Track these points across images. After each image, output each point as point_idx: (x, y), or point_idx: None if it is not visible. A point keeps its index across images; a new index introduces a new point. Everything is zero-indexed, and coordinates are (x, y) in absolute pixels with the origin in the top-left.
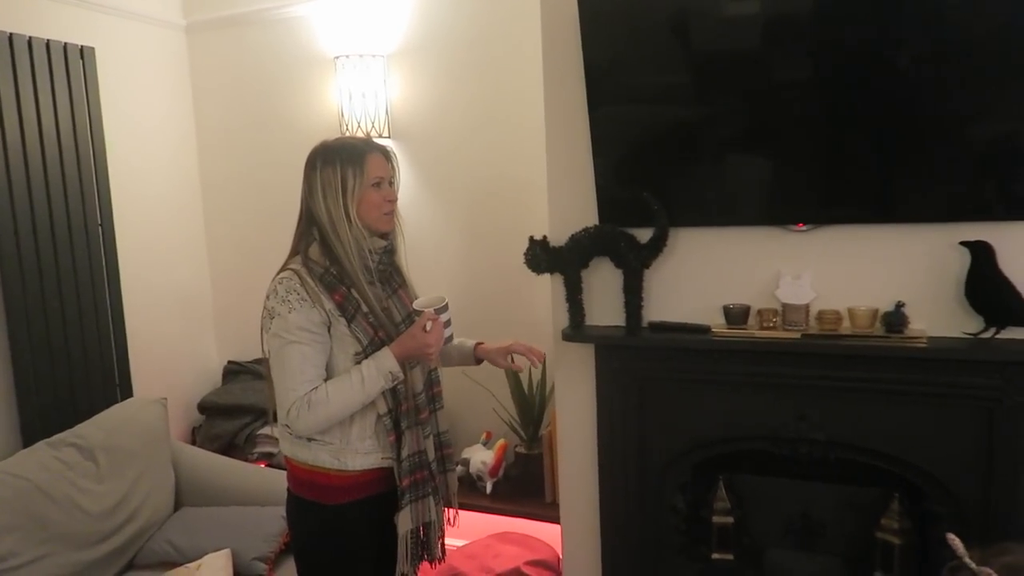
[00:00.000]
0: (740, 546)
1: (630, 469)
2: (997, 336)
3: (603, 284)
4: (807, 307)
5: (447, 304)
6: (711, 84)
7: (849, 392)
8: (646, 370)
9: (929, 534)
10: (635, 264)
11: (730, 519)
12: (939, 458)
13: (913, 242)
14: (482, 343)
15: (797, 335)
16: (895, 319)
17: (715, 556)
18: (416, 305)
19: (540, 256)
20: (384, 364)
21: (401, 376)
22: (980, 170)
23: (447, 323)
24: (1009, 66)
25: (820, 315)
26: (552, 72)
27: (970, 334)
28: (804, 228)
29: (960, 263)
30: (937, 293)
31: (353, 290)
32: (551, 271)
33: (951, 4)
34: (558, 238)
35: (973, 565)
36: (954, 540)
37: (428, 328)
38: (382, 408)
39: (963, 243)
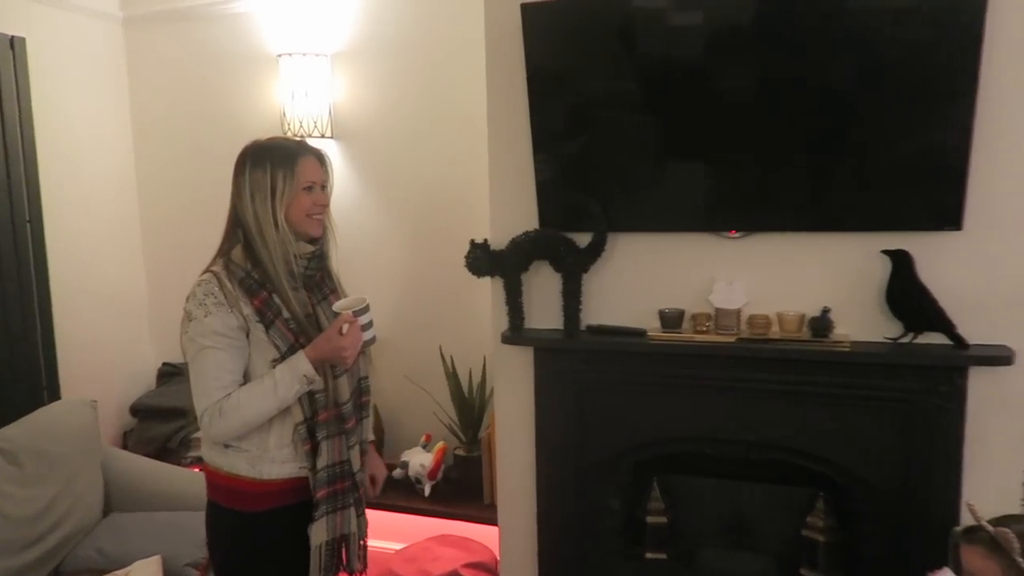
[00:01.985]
0: (674, 546)
1: (567, 470)
2: (915, 341)
3: (543, 287)
4: (739, 312)
5: (368, 306)
6: (650, 92)
7: (778, 394)
8: (584, 373)
9: (852, 531)
10: (574, 268)
11: (664, 519)
12: (861, 458)
13: (839, 250)
14: (373, 441)
15: (729, 339)
16: (821, 324)
17: (649, 556)
18: (336, 307)
19: (481, 259)
20: (298, 367)
21: (316, 379)
22: (901, 182)
23: (368, 325)
24: (930, 85)
25: (751, 319)
26: (495, 76)
27: (890, 339)
28: (737, 235)
29: (882, 271)
30: (861, 299)
31: (275, 295)
32: (491, 274)
33: (878, 26)
34: (499, 241)
35: (988, 526)
36: (970, 505)
37: (344, 331)
38: (298, 416)
39: (884, 252)
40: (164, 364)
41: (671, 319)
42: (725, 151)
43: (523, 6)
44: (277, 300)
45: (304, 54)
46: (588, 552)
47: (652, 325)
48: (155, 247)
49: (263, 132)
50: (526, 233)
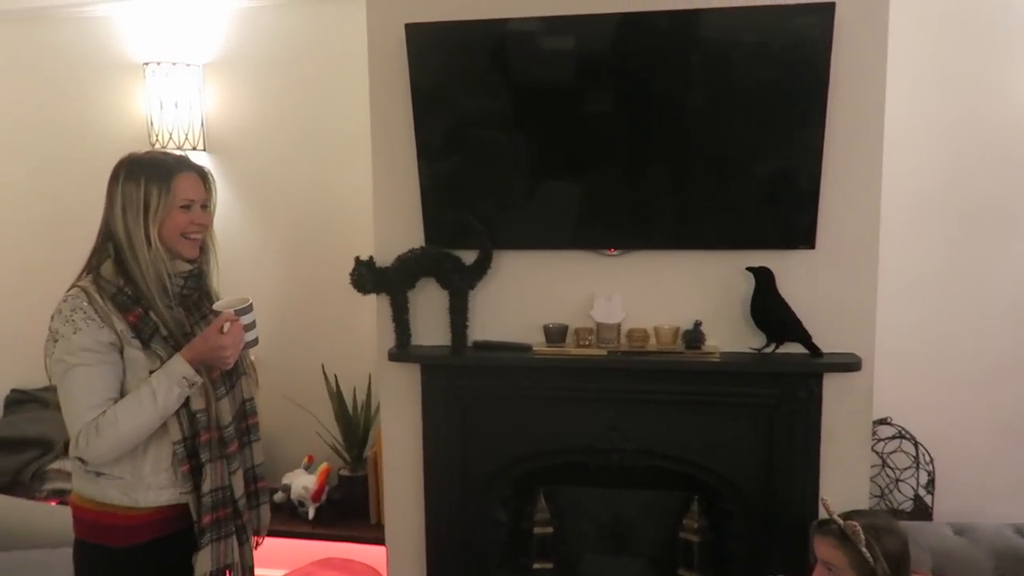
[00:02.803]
0: (559, 554)
1: (455, 485)
2: (777, 351)
3: (429, 304)
4: (619, 326)
5: (251, 306)
6: (527, 113)
7: (655, 404)
8: (471, 388)
9: (722, 530)
10: (460, 285)
11: (549, 529)
12: (730, 460)
13: (709, 267)
14: None
15: (609, 352)
16: (694, 336)
17: (536, 566)
18: (216, 306)
19: (366, 276)
20: (175, 370)
21: (197, 379)
22: (761, 204)
23: (251, 326)
24: (784, 114)
25: (630, 333)
26: (378, 92)
27: (755, 349)
28: (615, 253)
29: (747, 286)
30: (729, 313)
31: (151, 312)
32: (377, 291)
33: (733, 58)
34: (384, 258)
35: (839, 520)
36: (825, 500)
37: (226, 329)
38: (175, 434)
39: (748, 268)
40: (13, 391)
41: (555, 334)
42: (599, 172)
43: (407, 26)
44: (154, 317)
45: (173, 63)
46: (476, 566)
47: (537, 340)
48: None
49: (126, 143)
50: (412, 250)
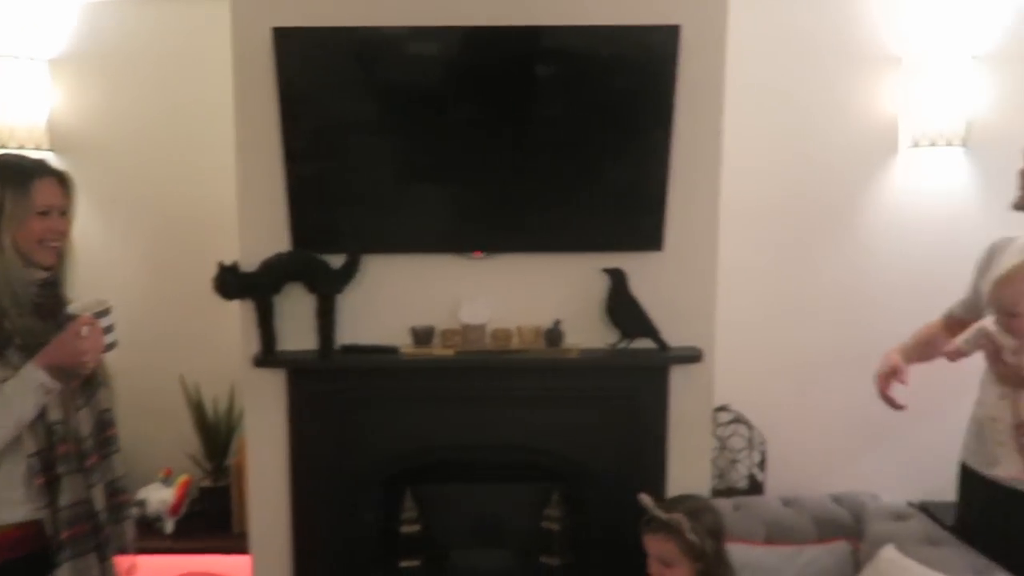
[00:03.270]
0: (428, 551)
1: (323, 489)
2: (630, 346)
3: (295, 309)
4: (484, 327)
5: (109, 308)
6: (396, 119)
7: (520, 400)
8: (339, 391)
9: (581, 517)
10: (328, 290)
11: (417, 527)
12: (588, 451)
13: (568, 269)
14: None
15: (475, 352)
16: (554, 335)
17: (403, 564)
18: (72, 309)
19: (230, 282)
20: (31, 378)
21: (55, 386)
22: (614, 209)
23: (109, 329)
24: (634, 123)
25: (495, 333)
26: (243, 95)
27: (610, 345)
28: (482, 256)
29: (602, 286)
30: (587, 311)
31: (4, 320)
32: (242, 297)
33: (586, 69)
34: (250, 263)
35: (663, 515)
36: (644, 498)
37: (85, 333)
38: (30, 446)
39: (603, 270)
40: None
41: (422, 335)
42: (464, 178)
43: (275, 29)
44: (8, 325)
45: (15, 57)
46: (344, 568)
47: (406, 342)
48: None
49: None
50: (278, 255)
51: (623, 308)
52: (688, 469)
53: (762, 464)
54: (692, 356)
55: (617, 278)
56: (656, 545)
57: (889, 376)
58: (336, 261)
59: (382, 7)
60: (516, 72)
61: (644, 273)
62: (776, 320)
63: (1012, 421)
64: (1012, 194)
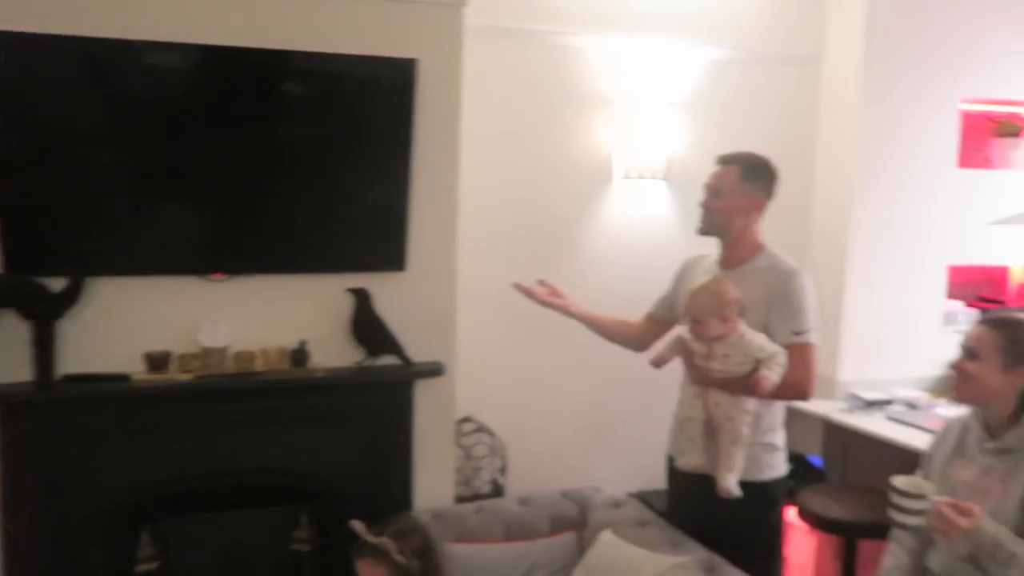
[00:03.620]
0: None
1: (45, 534)
2: (375, 363)
3: (8, 337)
4: (226, 349)
5: None
6: (128, 132)
7: (266, 422)
8: (62, 425)
9: (333, 535)
10: (46, 316)
11: (155, 565)
12: (338, 468)
13: (313, 289)
14: None
15: (215, 375)
16: (299, 355)
17: None
18: None
19: None
20: None
21: None
22: (359, 230)
23: None
24: (377, 149)
25: (238, 356)
26: None
27: (356, 363)
28: (223, 278)
29: (348, 306)
30: (333, 331)
31: None
32: None
33: (329, 96)
34: None
35: (370, 538)
36: (356, 524)
37: None
38: None
39: (348, 290)
40: None
41: (157, 361)
42: (203, 198)
43: None
44: None
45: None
46: None
47: (140, 368)
48: None
49: None
50: None
51: (368, 326)
52: (434, 478)
53: (503, 469)
54: (435, 370)
55: (362, 298)
56: (366, 569)
57: (550, 294)
58: (58, 284)
59: (124, 19)
60: (258, 94)
61: (388, 292)
62: (512, 334)
63: (703, 417)
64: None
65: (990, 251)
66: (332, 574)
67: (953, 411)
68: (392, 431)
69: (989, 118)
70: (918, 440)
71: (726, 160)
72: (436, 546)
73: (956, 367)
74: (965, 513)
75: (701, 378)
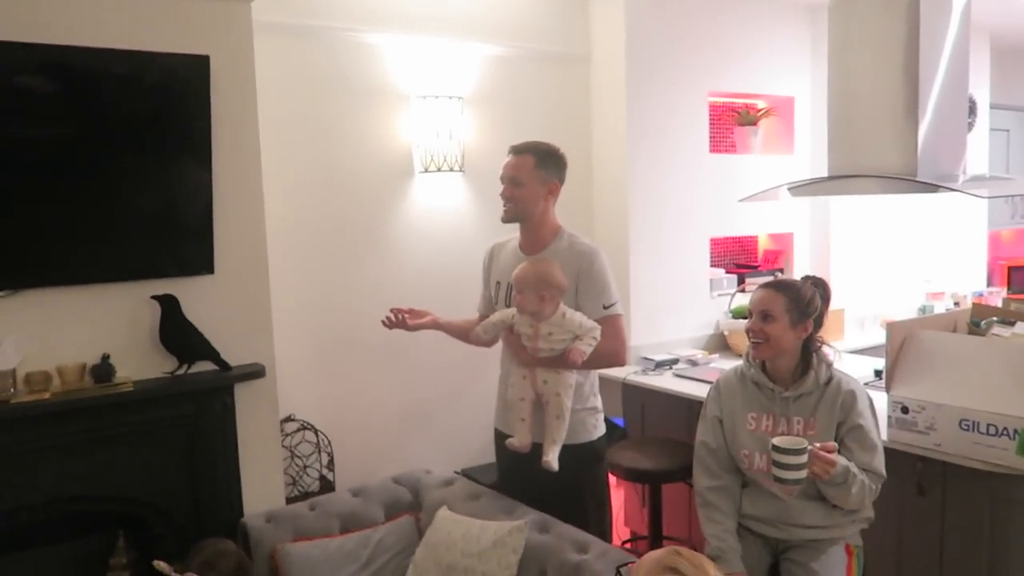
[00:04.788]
0: None
1: None
2: (189, 371)
3: None
4: (14, 371)
5: None
6: None
7: (67, 447)
8: None
9: (155, 555)
10: None
11: None
12: (155, 486)
13: (112, 299)
14: None
15: (3, 401)
16: (102, 371)
17: None
18: None
19: None
20: None
21: None
22: (153, 235)
23: None
24: (173, 150)
25: (28, 377)
26: None
27: (168, 373)
28: (3, 294)
29: (154, 314)
30: (139, 342)
31: None
32: None
33: (116, 94)
34: None
35: (174, 575)
36: (159, 564)
37: None
38: None
39: (153, 297)
40: None
41: None
42: None
43: None
44: None
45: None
46: None
47: None
48: None
49: None
50: None
51: (178, 333)
52: (262, 482)
53: (331, 464)
54: (255, 373)
55: (169, 304)
56: None
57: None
58: None
59: None
60: (41, 92)
61: (198, 297)
62: (327, 328)
63: (532, 397)
64: (500, 208)
65: (741, 224)
66: None
67: (726, 364)
68: (214, 439)
69: (731, 109)
70: (701, 391)
71: (519, 150)
72: (249, 565)
73: (754, 330)
74: (830, 451)
75: (528, 359)
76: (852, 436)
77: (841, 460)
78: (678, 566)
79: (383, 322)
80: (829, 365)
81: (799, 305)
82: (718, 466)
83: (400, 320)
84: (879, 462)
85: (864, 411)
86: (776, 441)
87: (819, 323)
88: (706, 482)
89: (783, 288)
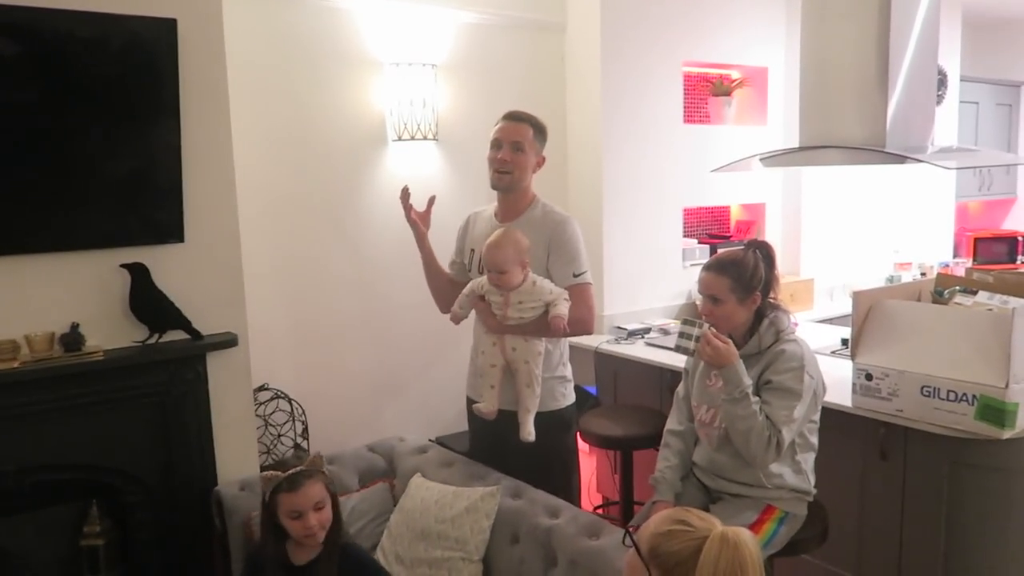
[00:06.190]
0: None
1: None
2: (161, 340)
3: None
4: None
5: None
6: None
7: (38, 415)
8: None
9: (128, 524)
10: None
11: None
12: (127, 455)
13: (81, 267)
14: None
15: None
16: (72, 339)
17: None
18: None
19: None
20: None
21: None
22: (122, 202)
23: None
24: (136, 112)
25: None
26: None
27: (139, 342)
28: None
29: (124, 283)
30: (109, 310)
31: None
32: None
33: (72, 54)
34: None
35: (297, 467)
36: (265, 474)
37: None
38: None
39: (123, 266)
40: None
41: None
42: None
43: None
44: None
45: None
46: None
47: None
48: None
49: None
50: None
51: (149, 302)
52: (236, 451)
53: (305, 432)
54: (228, 342)
55: (138, 273)
56: (309, 490)
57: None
58: None
59: None
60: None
61: (168, 265)
62: (300, 297)
63: (502, 364)
64: (475, 177)
65: (713, 194)
66: (132, 563)
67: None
68: (186, 408)
69: (706, 79)
70: (672, 359)
71: (519, 118)
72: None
73: (706, 313)
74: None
75: (497, 327)
76: (765, 388)
77: (742, 373)
78: (687, 519)
79: (404, 187)
80: (780, 331)
81: (743, 281)
82: (682, 413)
83: (408, 204)
84: (782, 417)
85: (784, 370)
86: (681, 319)
87: (767, 288)
88: (670, 425)
89: (725, 268)
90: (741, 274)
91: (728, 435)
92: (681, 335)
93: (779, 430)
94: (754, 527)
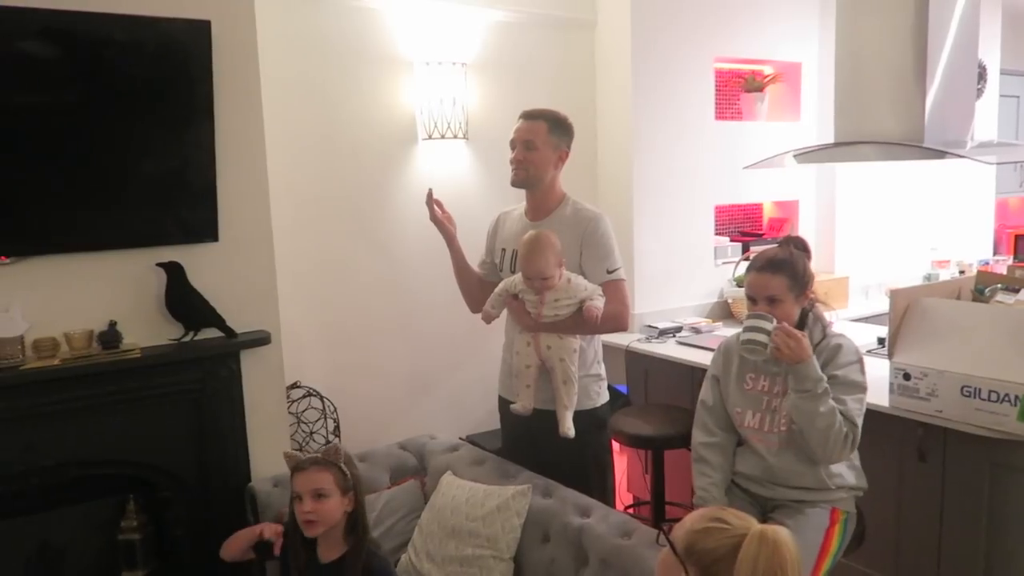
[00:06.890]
0: None
1: None
2: (195, 338)
3: None
4: (22, 338)
5: None
6: None
7: (76, 412)
8: None
9: (164, 520)
10: None
11: None
12: (163, 451)
13: (119, 266)
14: None
15: (13, 367)
16: (110, 337)
17: None
18: None
19: None
20: None
21: None
22: (157, 203)
23: None
24: (173, 114)
25: (37, 344)
26: None
27: (175, 340)
28: (8, 261)
29: (159, 281)
30: (145, 309)
31: None
32: None
33: (120, 60)
34: None
35: (311, 454)
36: (288, 454)
37: None
38: None
39: (159, 264)
40: None
41: None
42: None
43: None
44: None
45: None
46: None
47: None
48: None
49: None
50: None
51: (184, 300)
52: (270, 448)
53: (337, 430)
54: (261, 340)
55: (174, 271)
56: (312, 475)
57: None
58: None
59: None
60: (43, 59)
61: (203, 264)
62: (331, 295)
63: (537, 363)
64: (504, 176)
65: (746, 192)
66: (168, 559)
67: (729, 332)
68: (221, 405)
69: (738, 75)
70: (704, 358)
71: (533, 115)
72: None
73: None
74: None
75: (532, 325)
76: (831, 382)
77: (817, 367)
78: (724, 516)
79: (429, 191)
80: (825, 326)
81: (798, 279)
82: (714, 423)
83: (433, 204)
84: (855, 411)
85: (845, 364)
86: (749, 312)
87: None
88: (701, 438)
89: (781, 267)
90: (795, 272)
91: (791, 437)
92: (751, 330)
93: (855, 424)
94: (828, 532)
